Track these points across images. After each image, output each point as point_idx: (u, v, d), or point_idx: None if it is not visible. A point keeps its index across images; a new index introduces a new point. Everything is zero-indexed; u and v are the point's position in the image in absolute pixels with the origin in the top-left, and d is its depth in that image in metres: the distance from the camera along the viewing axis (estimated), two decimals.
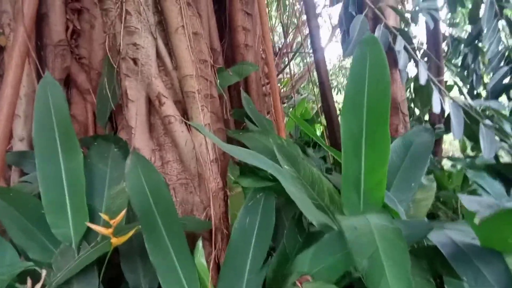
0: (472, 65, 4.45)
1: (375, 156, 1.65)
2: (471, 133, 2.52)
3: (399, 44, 2.72)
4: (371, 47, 1.67)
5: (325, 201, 1.79)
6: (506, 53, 3.97)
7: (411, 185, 1.86)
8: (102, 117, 2.32)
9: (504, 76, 3.87)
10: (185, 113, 2.08)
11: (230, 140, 2.32)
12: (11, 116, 2.09)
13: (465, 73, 4.39)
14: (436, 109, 2.46)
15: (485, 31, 3.73)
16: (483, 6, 3.77)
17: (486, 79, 4.87)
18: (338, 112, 3.59)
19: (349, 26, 3.23)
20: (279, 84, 6.11)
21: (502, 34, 4.17)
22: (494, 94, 3.82)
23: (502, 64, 3.96)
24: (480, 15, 3.98)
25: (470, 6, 4.30)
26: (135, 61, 1.99)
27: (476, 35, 4.19)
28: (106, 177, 1.93)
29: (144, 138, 2.04)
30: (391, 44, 2.81)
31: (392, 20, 3.10)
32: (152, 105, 2.05)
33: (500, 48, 3.90)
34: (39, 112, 1.79)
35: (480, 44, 4.43)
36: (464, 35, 5.45)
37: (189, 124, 2.02)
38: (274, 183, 1.64)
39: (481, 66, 4.63)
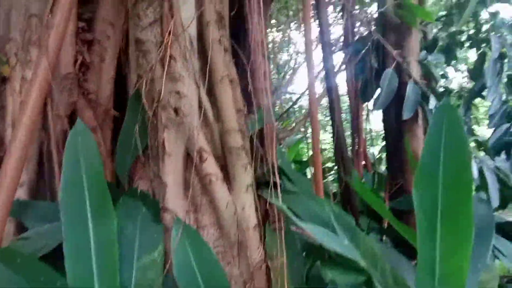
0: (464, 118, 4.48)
1: (453, 237, 1.48)
2: None
3: (432, 103, 2.65)
4: (448, 114, 1.54)
5: (389, 283, 1.59)
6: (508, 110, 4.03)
7: (477, 266, 1.70)
8: (123, 168, 2.05)
9: (505, 133, 3.90)
10: (223, 170, 1.86)
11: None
12: (23, 163, 1.79)
13: None
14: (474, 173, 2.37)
15: (488, 87, 3.77)
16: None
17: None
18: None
19: (370, 76, 3.19)
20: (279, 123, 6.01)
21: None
22: (495, 150, 3.83)
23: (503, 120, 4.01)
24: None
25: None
26: (176, 110, 1.78)
27: (479, 90, 4.25)
28: (135, 243, 1.65)
29: (179, 198, 1.79)
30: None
31: (414, 71, 3.07)
32: (189, 161, 1.82)
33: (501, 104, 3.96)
34: (68, 166, 1.52)
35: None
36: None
37: (229, 185, 1.80)
38: (365, 277, 1.43)
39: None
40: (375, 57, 3.19)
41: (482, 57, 4.23)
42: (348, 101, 4.09)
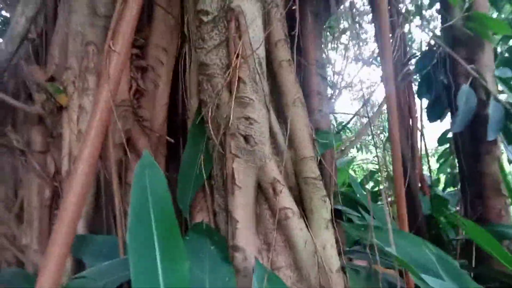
0: None
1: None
2: None
3: None
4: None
5: None
6: None
7: None
8: (185, 199, 1.90)
9: None
10: (298, 204, 1.66)
11: None
12: (84, 198, 1.67)
13: None
14: None
15: None
16: None
17: None
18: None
19: (439, 94, 2.93)
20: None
21: None
22: None
23: None
24: None
25: None
26: (246, 138, 1.61)
27: None
28: (205, 285, 1.48)
29: (250, 234, 1.60)
30: None
31: (492, 88, 2.77)
32: (261, 194, 1.64)
33: None
34: (136, 201, 1.38)
35: None
36: None
37: (306, 220, 1.60)
38: None
39: None
40: (444, 73, 2.93)
41: None
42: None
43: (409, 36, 5.56)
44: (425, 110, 3.09)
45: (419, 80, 3.73)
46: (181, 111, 2.80)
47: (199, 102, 1.96)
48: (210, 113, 1.70)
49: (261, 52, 1.71)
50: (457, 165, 3.09)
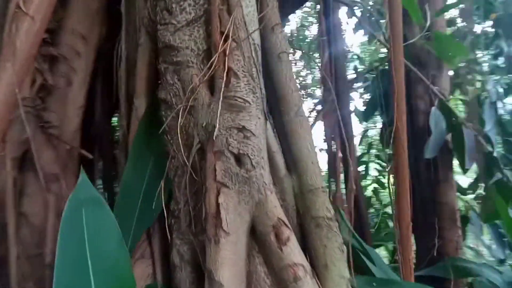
0: None
1: None
2: None
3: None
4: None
5: None
6: None
7: None
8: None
9: None
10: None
11: None
12: None
13: None
14: None
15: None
16: None
17: None
18: None
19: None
20: None
21: None
22: None
23: None
24: None
25: None
26: (240, 159, 1.08)
27: None
28: None
29: None
30: None
31: None
32: (257, 242, 1.11)
33: None
34: (62, 265, 0.75)
35: None
36: None
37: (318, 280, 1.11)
38: None
39: None
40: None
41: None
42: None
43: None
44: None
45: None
46: (100, 116, 2.20)
47: (150, 103, 1.37)
48: (180, 119, 1.13)
49: (257, 38, 1.21)
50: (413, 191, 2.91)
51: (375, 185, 4.99)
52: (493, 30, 3.86)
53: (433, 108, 2.38)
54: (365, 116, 3.35)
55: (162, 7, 1.23)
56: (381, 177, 5.16)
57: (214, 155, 1.07)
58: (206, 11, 1.20)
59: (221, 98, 1.07)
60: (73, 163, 1.85)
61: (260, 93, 1.15)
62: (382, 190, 5.21)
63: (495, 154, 2.24)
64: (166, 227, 1.22)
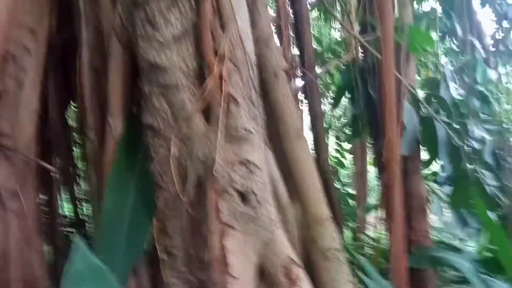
0: None
1: None
2: None
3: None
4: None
5: None
6: None
7: None
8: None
9: None
10: None
11: None
12: None
13: None
14: None
15: None
16: None
17: None
18: None
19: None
20: None
21: None
22: None
23: None
24: None
25: None
26: (245, 196, 0.97)
27: None
28: None
29: None
30: None
31: None
32: (265, 281, 1.02)
33: None
34: None
35: None
36: None
37: None
38: None
39: None
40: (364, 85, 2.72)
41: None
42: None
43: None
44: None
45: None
46: (55, 117, 2.06)
47: (128, 124, 1.21)
48: (172, 150, 0.99)
49: (252, 54, 1.08)
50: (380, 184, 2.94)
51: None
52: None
53: (405, 103, 2.37)
54: (334, 105, 3.34)
55: (142, 17, 1.06)
56: (339, 156, 5.25)
57: (215, 193, 0.96)
58: (195, 24, 1.05)
59: (220, 128, 0.95)
60: (32, 176, 1.66)
61: (261, 118, 1.04)
62: (342, 170, 5.32)
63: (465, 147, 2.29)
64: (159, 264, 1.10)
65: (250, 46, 1.07)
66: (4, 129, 1.53)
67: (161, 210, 1.12)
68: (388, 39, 1.47)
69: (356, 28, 2.86)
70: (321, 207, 1.10)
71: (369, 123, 2.82)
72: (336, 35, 5.25)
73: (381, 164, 2.65)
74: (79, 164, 2.46)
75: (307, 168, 1.12)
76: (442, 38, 4.20)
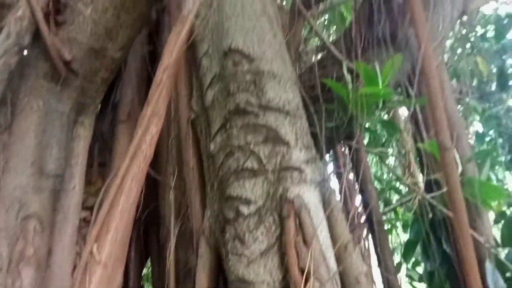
0: None
1: None
2: None
3: None
4: None
5: None
6: None
7: None
8: None
9: None
10: None
11: None
12: None
13: None
14: None
15: None
16: None
17: None
18: None
19: None
20: None
21: None
22: None
23: None
24: None
25: None
26: None
27: None
28: None
29: None
30: None
31: None
32: None
33: None
34: None
35: None
36: None
37: None
38: None
39: None
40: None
41: None
42: None
43: None
44: None
45: None
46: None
47: None
48: None
49: (333, 264, 1.15)
50: None
51: None
52: None
53: (488, 264, 2.23)
54: (405, 259, 3.18)
55: (233, 233, 1.19)
56: None
57: None
58: (278, 238, 1.16)
59: None
60: None
61: None
62: None
63: None
64: None
65: (331, 258, 1.14)
66: None
67: None
68: (457, 196, 1.46)
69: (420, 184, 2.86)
70: None
71: (449, 279, 2.64)
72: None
73: None
74: None
75: None
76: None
